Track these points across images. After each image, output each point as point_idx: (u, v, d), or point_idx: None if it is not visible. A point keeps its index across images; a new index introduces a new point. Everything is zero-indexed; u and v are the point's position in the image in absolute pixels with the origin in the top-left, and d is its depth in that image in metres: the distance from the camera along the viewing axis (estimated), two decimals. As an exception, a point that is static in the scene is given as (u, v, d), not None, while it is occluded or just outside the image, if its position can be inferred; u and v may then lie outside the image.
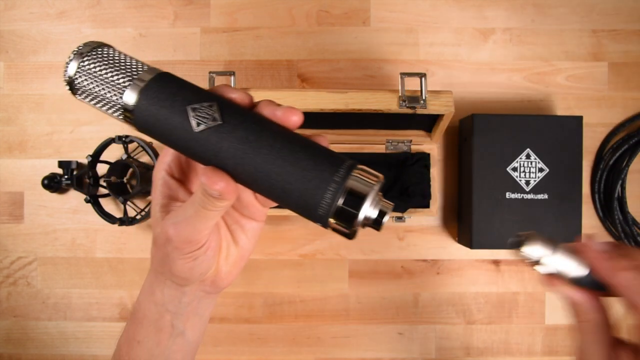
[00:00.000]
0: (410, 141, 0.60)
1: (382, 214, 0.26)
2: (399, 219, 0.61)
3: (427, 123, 0.57)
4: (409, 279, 0.64)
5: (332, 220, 0.25)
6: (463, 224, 0.61)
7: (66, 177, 0.61)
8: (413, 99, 0.50)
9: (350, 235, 0.26)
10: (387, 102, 0.50)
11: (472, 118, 0.57)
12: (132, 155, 0.61)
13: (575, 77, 0.64)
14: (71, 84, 0.27)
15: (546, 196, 0.57)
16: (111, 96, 0.27)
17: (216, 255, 0.31)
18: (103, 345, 0.64)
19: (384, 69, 0.64)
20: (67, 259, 0.64)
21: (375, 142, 0.60)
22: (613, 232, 0.63)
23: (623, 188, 0.62)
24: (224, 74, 0.50)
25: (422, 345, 0.64)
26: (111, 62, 0.28)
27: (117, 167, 0.62)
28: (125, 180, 0.64)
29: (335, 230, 0.26)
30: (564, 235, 0.57)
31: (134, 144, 0.61)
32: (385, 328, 0.64)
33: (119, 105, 0.27)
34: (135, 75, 0.27)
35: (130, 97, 0.27)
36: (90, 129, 0.64)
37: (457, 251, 0.64)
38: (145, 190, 0.61)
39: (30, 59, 0.65)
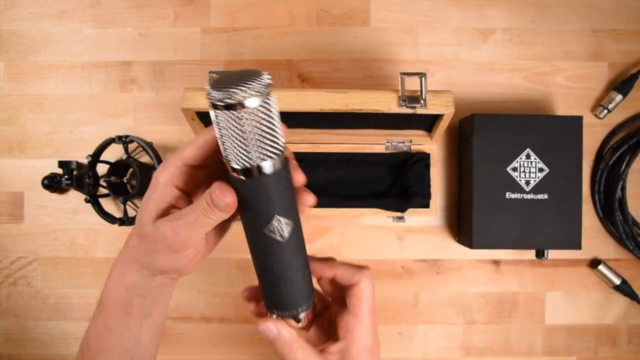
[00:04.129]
0: (410, 141, 0.60)
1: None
2: (399, 219, 0.61)
3: (427, 123, 0.57)
4: (409, 279, 0.64)
5: (275, 314, 0.35)
6: (463, 224, 0.61)
7: (66, 177, 0.61)
8: (413, 98, 0.50)
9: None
10: (387, 102, 0.50)
11: (472, 118, 0.57)
12: (132, 155, 0.61)
13: (575, 77, 0.64)
14: (231, 107, 0.25)
15: (546, 196, 0.57)
16: (248, 151, 0.27)
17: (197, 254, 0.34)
18: (103, 345, 0.64)
19: (384, 69, 0.64)
20: (67, 259, 0.64)
21: (375, 142, 0.60)
22: (613, 232, 0.63)
23: (623, 188, 0.62)
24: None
25: (422, 345, 0.64)
26: (272, 120, 0.27)
27: (117, 167, 0.62)
28: (125, 180, 0.64)
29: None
30: (564, 235, 0.57)
31: (134, 144, 0.61)
32: (385, 328, 0.64)
33: (246, 162, 0.27)
34: (280, 150, 0.28)
35: (267, 168, 0.27)
36: (90, 129, 0.64)
37: (457, 251, 0.64)
38: (145, 190, 0.61)
39: (30, 59, 0.65)
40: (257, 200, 0.29)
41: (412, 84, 0.50)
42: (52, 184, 0.61)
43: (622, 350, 0.64)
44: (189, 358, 0.64)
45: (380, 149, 0.60)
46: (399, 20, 0.64)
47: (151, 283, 0.34)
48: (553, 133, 0.57)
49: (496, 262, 0.64)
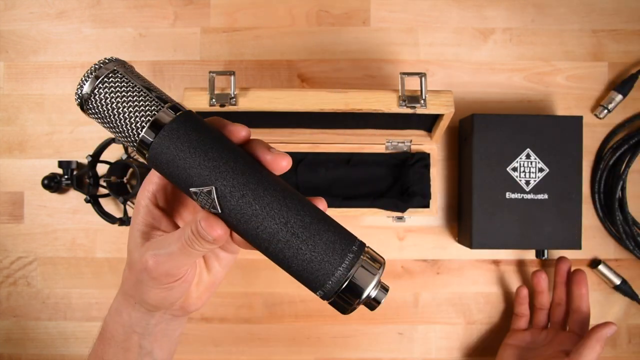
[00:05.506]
0: (410, 141, 0.60)
1: (379, 297, 0.27)
2: (399, 219, 0.61)
3: (427, 123, 0.57)
4: (409, 279, 0.64)
5: (333, 299, 0.26)
6: (463, 224, 0.61)
7: (66, 177, 0.61)
8: (413, 98, 0.50)
9: (345, 312, 0.27)
10: (387, 102, 0.50)
11: (472, 118, 0.57)
12: (132, 155, 0.61)
13: (575, 77, 0.64)
14: (82, 104, 0.26)
15: (546, 196, 0.57)
16: (126, 128, 0.26)
17: (190, 285, 0.31)
18: (103, 345, 0.64)
19: (384, 69, 0.64)
20: (67, 259, 0.64)
21: (375, 142, 0.60)
22: (613, 232, 0.63)
23: (623, 188, 0.62)
24: (224, 73, 0.50)
25: (422, 345, 0.64)
26: (130, 91, 0.26)
27: (117, 167, 0.62)
28: (125, 180, 0.64)
29: (333, 305, 0.27)
30: (564, 235, 0.57)
31: (134, 144, 0.61)
32: (385, 328, 0.64)
33: (133, 139, 0.26)
34: (155, 111, 0.26)
35: (147, 136, 0.26)
36: (90, 129, 0.64)
37: (457, 251, 0.64)
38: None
39: (30, 59, 0.65)
40: (170, 177, 0.26)
41: (412, 84, 0.50)
42: (52, 184, 0.61)
43: (622, 350, 0.64)
44: (189, 358, 0.64)
45: (380, 149, 0.60)
46: (399, 20, 0.64)
47: (150, 320, 0.32)
48: (553, 133, 0.57)
49: (496, 262, 0.64)
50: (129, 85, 0.26)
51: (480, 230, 0.57)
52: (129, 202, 0.61)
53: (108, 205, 0.64)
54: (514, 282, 0.64)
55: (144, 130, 0.26)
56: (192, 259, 0.28)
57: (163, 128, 0.25)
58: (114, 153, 0.63)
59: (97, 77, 0.26)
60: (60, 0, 0.64)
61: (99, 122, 0.27)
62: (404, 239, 0.64)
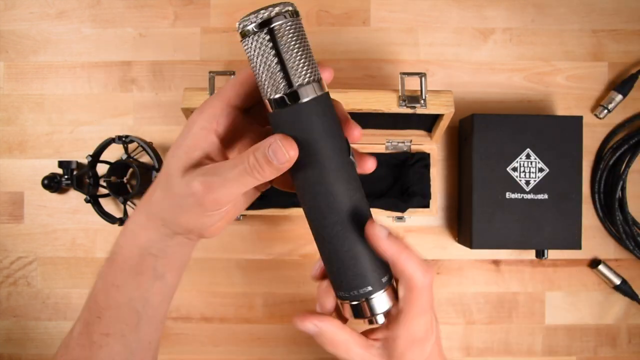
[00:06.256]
0: (410, 141, 0.60)
1: (380, 320, 0.30)
2: (399, 219, 0.61)
3: (427, 123, 0.57)
4: (409, 279, 0.64)
5: (350, 303, 0.29)
6: (463, 224, 0.61)
7: (66, 177, 0.61)
8: (413, 98, 0.50)
9: (354, 317, 0.30)
10: (387, 102, 0.50)
11: (472, 118, 0.57)
12: (132, 155, 0.61)
13: (575, 77, 0.64)
14: (261, 26, 0.25)
15: (546, 196, 0.57)
16: (286, 74, 0.25)
17: (232, 215, 0.31)
18: (103, 345, 0.64)
19: (384, 69, 0.64)
20: (67, 259, 0.64)
21: (375, 142, 0.60)
22: (613, 232, 0.63)
23: (623, 188, 0.62)
24: (224, 73, 0.50)
25: (422, 345, 0.64)
26: (303, 41, 0.26)
27: (117, 167, 0.62)
28: (125, 180, 0.64)
29: (350, 307, 0.30)
30: (564, 235, 0.57)
31: (134, 144, 0.61)
32: (385, 328, 0.64)
33: (284, 87, 0.25)
34: (317, 76, 0.27)
35: (307, 91, 0.26)
36: (90, 129, 0.64)
37: (457, 251, 0.64)
38: (145, 190, 0.61)
39: (30, 59, 0.65)
40: (303, 133, 0.26)
41: (412, 84, 0.50)
42: (52, 184, 0.61)
43: (622, 351, 0.64)
44: (189, 358, 0.64)
45: (380, 149, 0.60)
46: (399, 20, 0.64)
47: (169, 242, 0.31)
48: (553, 133, 0.57)
49: (496, 262, 0.64)
50: (304, 37, 0.26)
51: (480, 230, 0.57)
52: (129, 202, 0.61)
53: (108, 205, 0.64)
54: (514, 282, 0.64)
55: (304, 85, 0.25)
56: (245, 188, 0.27)
57: (321, 94, 0.26)
58: (114, 153, 0.63)
59: (287, 14, 0.25)
60: (60, 0, 0.64)
61: (253, 56, 0.26)
62: (404, 239, 0.64)
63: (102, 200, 0.63)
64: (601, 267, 0.62)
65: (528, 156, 0.57)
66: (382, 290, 0.29)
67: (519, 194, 0.57)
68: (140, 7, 0.64)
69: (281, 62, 0.25)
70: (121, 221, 0.61)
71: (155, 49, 0.64)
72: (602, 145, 0.64)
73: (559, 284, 0.64)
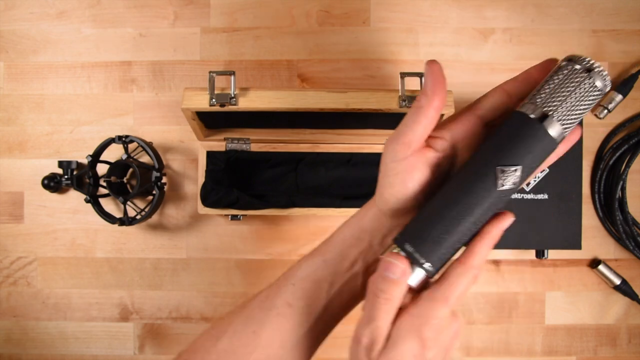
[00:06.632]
0: (410, 141, 0.59)
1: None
2: (399, 219, 0.60)
3: (427, 123, 0.57)
4: (409, 279, 0.64)
5: (399, 251, 0.32)
6: (463, 224, 0.61)
7: (66, 177, 0.61)
8: (413, 98, 0.50)
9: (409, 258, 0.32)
10: (387, 102, 0.50)
11: (472, 118, 0.57)
12: (132, 155, 0.61)
13: (575, 77, 0.64)
14: (589, 70, 0.28)
15: (546, 196, 0.57)
16: (562, 107, 0.29)
17: (408, 180, 0.31)
18: (103, 345, 0.64)
19: (384, 69, 0.64)
20: (67, 259, 0.64)
21: (375, 142, 0.60)
22: (613, 232, 0.63)
23: (623, 188, 0.62)
24: (224, 73, 0.50)
25: (422, 345, 0.64)
26: (587, 109, 0.30)
27: (117, 167, 0.62)
28: (125, 180, 0.64)
29: (389, 247, 0.33)
30: (564, 235, 0.57)
31: (134, 144, 0.61)
32: (385, 328, 0.64)
33: (552, 112, 0.29)
34: (568, 131, 0.30)
35: (555, 130, 0.29)
36: (90, 129, 0.64)
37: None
38: (145, 190, 0.61)
39: (30, 59, 0.65)
40: (518, 144, 0.30)
41: (412, 84, 0.50)
42: (52, 184, 0.61)
43: (622, 350, 0.64)
44: (189, 358, 0.64)
45: (380, 149, 0.60)
46: (399, 20, 0.64)
47: (385, 224, 0.34)
48: (553, 133, 0.57)
49: (496, 262, 0.64)
50: (591, 105, 0.30)
51: (480, 230, 0.57)
52: (129, 202, 0.61)
53: (108, 205, 0.64)
54: (514, 282, 0.64)
55: (563, 128, 0.29)
56: (420, 124, 0.31)
57: (555, 141, 0.30)
58: (114, 153, 0.63)
59: (606, 81, 0.29)
60: (60, 0, 0.64)
61: (562, 77, 0.29)
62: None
63: (102, 200, 0.63)
64: (601, 267, 0.62)
65: (528, 156, 0.57)
66: (424, 272, 0.31)
67: (519, 194, 0.57)
68: (140, 7, 0.64)
69: (570, 98, 0.29)
70: (121, 221, 0.61)
71: (155, 49, 0.64)
72: (602, 145, 0.64)
73: (559, 284, 0.64)
